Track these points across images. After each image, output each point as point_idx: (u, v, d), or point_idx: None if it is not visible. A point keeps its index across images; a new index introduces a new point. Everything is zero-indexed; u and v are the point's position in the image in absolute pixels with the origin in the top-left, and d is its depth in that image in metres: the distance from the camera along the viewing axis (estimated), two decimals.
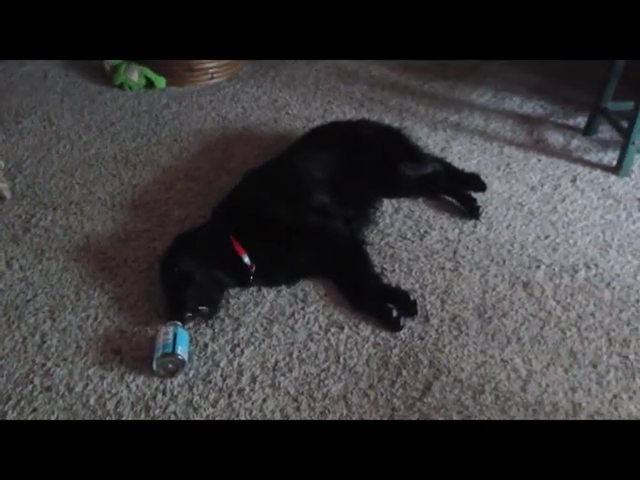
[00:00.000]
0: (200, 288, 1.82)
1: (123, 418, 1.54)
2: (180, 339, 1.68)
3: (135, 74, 3.03)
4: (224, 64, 3.15)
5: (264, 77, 3.21)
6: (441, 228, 2.20)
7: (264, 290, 1.95)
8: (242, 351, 1.74)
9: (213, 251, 1.89)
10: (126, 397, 1.59)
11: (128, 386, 1.62)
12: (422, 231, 2.18)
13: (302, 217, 1.97)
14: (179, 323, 1.73)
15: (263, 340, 1.77)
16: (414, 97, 3.03)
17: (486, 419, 1.53)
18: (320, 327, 1.81)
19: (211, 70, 3.12)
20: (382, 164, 2.27)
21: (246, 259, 1.91)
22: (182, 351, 1.66)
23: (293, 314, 1.86)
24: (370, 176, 2.23)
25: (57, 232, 2.16)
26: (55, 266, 2.02)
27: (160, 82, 3.07)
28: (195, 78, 3.11)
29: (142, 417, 1.54)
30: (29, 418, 1.53)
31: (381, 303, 1.84)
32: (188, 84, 3.10)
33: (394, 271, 2.01)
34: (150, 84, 3.07)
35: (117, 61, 3.06)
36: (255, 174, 2.16)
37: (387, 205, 2.30)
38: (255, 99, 3.02)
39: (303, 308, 1.88)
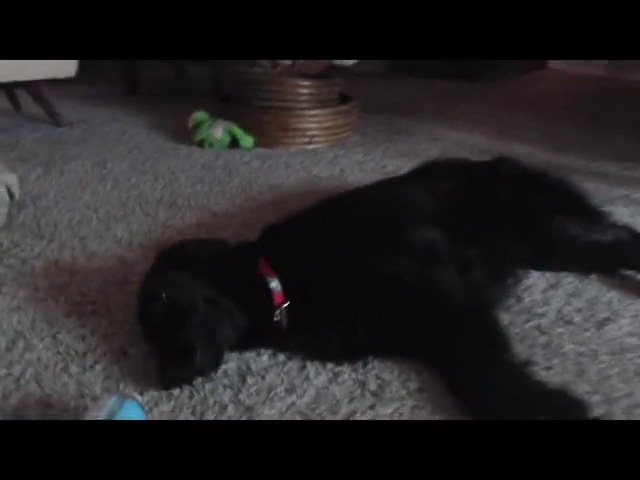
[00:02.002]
0: (205, 323, 1.05)
1: None
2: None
3: (219, 130, 2.49)
4: (326, 127, 2.54)
5: (375, 148, 2.55)
6: (634, 315, 1.26)
7: (310, 369, 1.10)
8: None
9: (223, 270, 1.13)
10: None
11: None
12: (600, 316, 1.27)
13: (383, 257, 1.16)
14: (130, 395, 0.92)
15: None
16: (576, 175, 2.19)
17: None
18: None
19: (310, 132, 2.52)
20: (531, 216, 1.43)
21: (273, 283, 1.12)
22: None
23: (354, 413, 0.98)
24: (509, 233, 1.39)
25: (35, 265, 1.48)
26: (5, 303, 1.31)
27: (247, 141, 2.50)
28: (289, 140, 2.51)
29: None
30: None
31: (530, 411, 0.92)
32: (280, 146, 2.51)
33: (551, 368, 1.09)
34: (235, 143, 2.50)
35: (202, 117, 2.56)
36: (331, 200, 1.40)
37: (536, 277, 1.42)
38: (359, 163, 2.34)
39: (373, 407, 1.00)
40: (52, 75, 2.65)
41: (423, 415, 0.99)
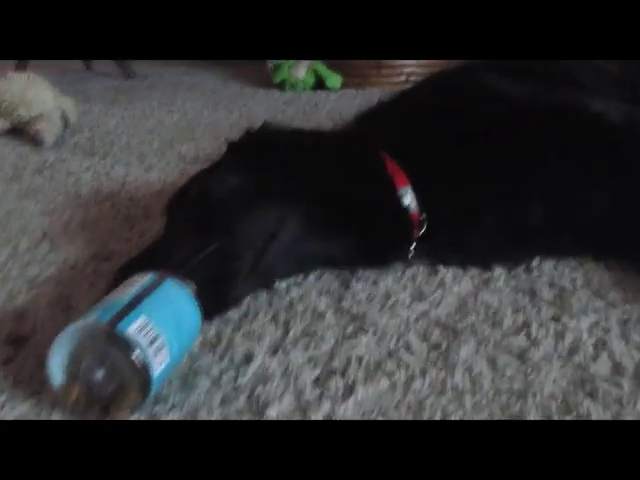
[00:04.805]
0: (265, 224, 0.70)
1: None
2: (153, 304, 0.52)
3: (302, 70, 2.17)
4: (426, 64, 2.17)
5: None
6: None
7: (446, 274, 0.75)
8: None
9: (327, 170, 0.75)
10: None
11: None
12: None
13: (570, 97, 0.79)
14: (176, 277, 0.58)
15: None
16: None
17: None
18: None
19: (407, 69, 2.16)
20: None
21: (408, 199, 0.73)
22: (142, 333, 0.49)
23: (526, 326, 0.62)
24: None
25: (82, 177, 1.20)
26: (37, 208, 1.02)
27: (334, 81, 2.17)
28: (383, 79, 2.16)
29: None
30: None
31: None
32: (372, 86, 2.16)
33: None
34: (320, 84, 2.18)
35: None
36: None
37: None
38: None
39: (558, 319, 0.63)
40: None
41: None
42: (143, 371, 0.48)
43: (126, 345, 0.48)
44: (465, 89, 0.82)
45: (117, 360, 0.49)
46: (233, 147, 0.82)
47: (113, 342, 0.48)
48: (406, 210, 0.74)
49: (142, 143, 1.44)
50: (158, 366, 0.50)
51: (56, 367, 0.51)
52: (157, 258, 0.62)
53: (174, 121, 1.70)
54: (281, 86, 2.21)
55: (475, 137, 0.73)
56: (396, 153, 0.77)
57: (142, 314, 0.51)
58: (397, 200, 0.74)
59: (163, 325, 0.52)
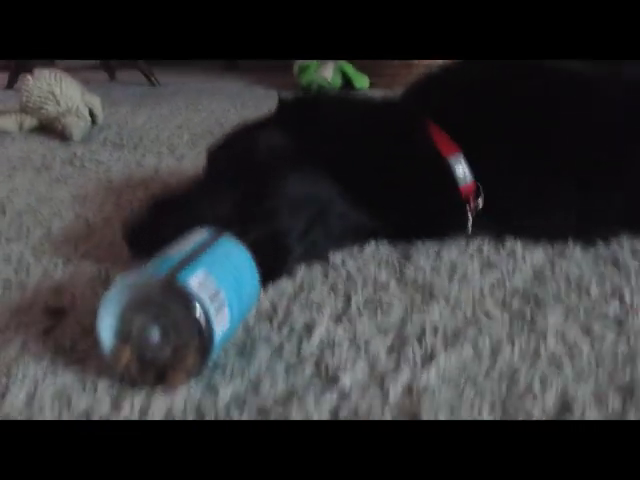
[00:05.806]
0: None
1: None
2: (212, 259, 0.47)
3: (329, 71, 2.14)
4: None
5: None
6: None
7: (515, 245, 0.68)
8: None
9: (374, 140, 0.71)
10: None
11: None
12: None
13: None
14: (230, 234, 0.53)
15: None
16: None
17: None
18: None
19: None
20: None
21: (460, 168, 0.68)
22: (203, 288, 0.43)
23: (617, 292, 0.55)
24: None
25: (112, 165, 1.15)
26: (68, 191, 0.98)
27: (361, 81, 2.13)
28: (409, 78, 2.11)
29: None
30: None
31: None
32: (400, 86, 2.10)
33: None
34: (348, 84, 2.14)
35: (309, 60, 2.21)
36: None
37: None
38: None
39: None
40: None
41: None
42: (206, 329, 0.43)
43: (187, 299, 0.42)
44: (528, 67, 0.77)
45: (175, 317, 0.43)
46: (284, 107, 0.78)
47: (172, 296, 0.43)
48: (456, 179, 0.69)
49: (172, 137, 1.41)
50: (219, 328, 0.44)
51: (105, 329, 0.45)
52: (203, 214, 0.58)
53: (202, 118, 1.66)
54: (308, 88, 2.17)
55: (540, 109, 0.68)
56: (451, 124, 0.73)
57: (202, 267, 0.45)
58: (445, 168, 0.69)
59: (223, 282, 0.46)
